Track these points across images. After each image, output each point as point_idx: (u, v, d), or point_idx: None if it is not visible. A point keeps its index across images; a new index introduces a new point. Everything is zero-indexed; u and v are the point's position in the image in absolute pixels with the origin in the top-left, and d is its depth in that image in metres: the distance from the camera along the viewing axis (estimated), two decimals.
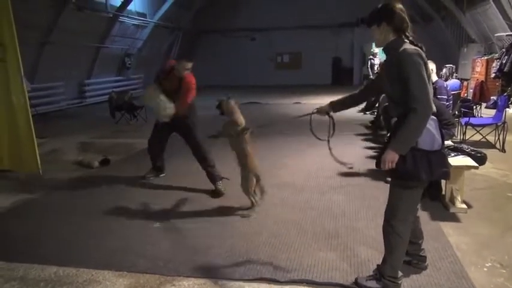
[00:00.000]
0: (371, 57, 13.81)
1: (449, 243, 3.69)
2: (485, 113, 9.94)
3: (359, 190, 5.16)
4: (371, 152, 7.04)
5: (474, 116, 9.11)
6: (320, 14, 21.88)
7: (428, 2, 18.02)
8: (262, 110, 13.84)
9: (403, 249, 2.90)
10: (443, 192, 4.70)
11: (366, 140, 8.22)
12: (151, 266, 3.41)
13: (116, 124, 10.89)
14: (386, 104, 4.07)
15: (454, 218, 4.30)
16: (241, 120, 4.36)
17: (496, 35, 13.00)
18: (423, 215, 4.21)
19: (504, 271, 3.23)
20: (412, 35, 2.73)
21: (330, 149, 3.32)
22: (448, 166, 2.95)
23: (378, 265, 3.01)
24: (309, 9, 21.95)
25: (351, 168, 3.88)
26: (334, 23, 22.11)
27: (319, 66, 23.28)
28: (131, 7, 16.66)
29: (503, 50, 12.08)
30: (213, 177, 5.24)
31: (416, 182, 2.74)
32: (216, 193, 5.12)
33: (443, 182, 4.69)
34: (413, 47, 2.65)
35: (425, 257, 3.24)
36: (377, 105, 10.96)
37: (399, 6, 2.71)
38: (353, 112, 12.43)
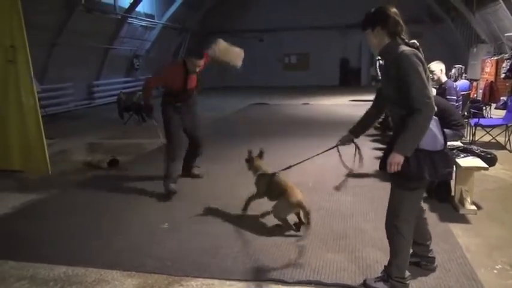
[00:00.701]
0: (378, 58, 13.72)
1: (458, 244, 3.67)
2: (495, 113, 9.86)
3: (367, 191, 5.13)
4: (379, 153, 6.99)
5: (484, 117, 9.03)
6: (328, 15, 21.79)
7: (437, 2, 17.92)
8: (271, 111, 13.85)
9: (407, 249, 2.89)
10: (453, 194, 4.67)
11: (375, 140, 8.18)
12: (160, 266, 3.42)
13: (124, 125, 10.95)
14: None
15: (463, 219, 4.27)
16: (268, 170, 4.35)
17: (506, 35, 12.87)
18: (432, 216, 4.19)
19: None
20: (407, 37, 2.73)
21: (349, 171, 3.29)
22: (452, 166, 2.94)
23: (385, 266, 3.00)
24: (317, 10, 21.88)
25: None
26: (342, 24, 22.00)
27: (327, 67, 23.22)
28: (139, 8, 16.74)
29: None
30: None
31: (418, 183, 2.74)
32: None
33: (452, 183, 4.66)
34: (410, 48, 2.65)
35: (434, 258, 3.22)
36: None
37: (393, 9, 2.72)
38: (362, 113, 12.38)
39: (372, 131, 9.44)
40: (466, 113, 8.00)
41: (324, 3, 21.87)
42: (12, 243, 4.03)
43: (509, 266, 3.30)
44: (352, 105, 14.51)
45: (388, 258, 2.95)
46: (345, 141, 3.34)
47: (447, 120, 4.96)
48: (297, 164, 4.07)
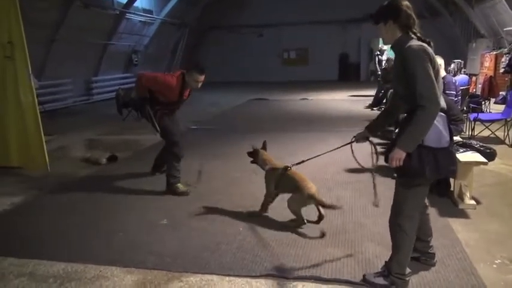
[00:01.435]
0: (378, 53, 13.73)
1: (458, 239, 3.67)
2: (494, 108, 9.86)
3: (366, 186, 5.12)
4: (379, 148, 6.99)
5: (483, 112, 9.04)
6: (327, 10, 21.73)
7: None
8: (270, 106, 13.83)
9: (409, 246, 2.88)
10: (452, 189, 4.67)
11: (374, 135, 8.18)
12: (159, 262, 3.42)
13: (123, 121, 10.91)
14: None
15: (463, 214, 4.27)
16: (277, 163, 4.35)
17: (505, 29, 12.83)
18: (432, 212, 4.16)
19: None
20: (419, 31, 2.70)
21: (373, 177, 3.27)
22: (456, 164, 2.92)
23: (385, 262, 3.00)
24: (316, 5, 21.81)
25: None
26: (341, 19, 21.98)
27: (326, 62, 23.19)
28: (137, 4, 16.68)
29: None
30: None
31: (421, 180, 2.72)
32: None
33: (451, 178, 4.66)
34: (419, 43, 2.62)
35: (434, 254, 3.22)
36: (384, 101, 10.93)
37: (405, 2, 2.68)
38: (361, 108, 12.40)
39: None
40: (465, 108, 8.00)
41: None
42: (12, 240, 4.02)
43: (509, 260, 3.31)
44: (351, 100, 14.50)
45: (390, 254, 2.95)
46: (360, 138, 3.32)
47: (446, 115, 4.95)
48: (311, 158, 4.07)
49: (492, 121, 7.52)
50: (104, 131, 9.77)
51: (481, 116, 7.63)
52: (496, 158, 4.93)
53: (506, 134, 7.27)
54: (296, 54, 24.46)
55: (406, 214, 2.79)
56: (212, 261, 3.41)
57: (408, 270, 2.91)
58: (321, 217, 4.06)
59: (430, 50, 2.61)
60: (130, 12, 16.08)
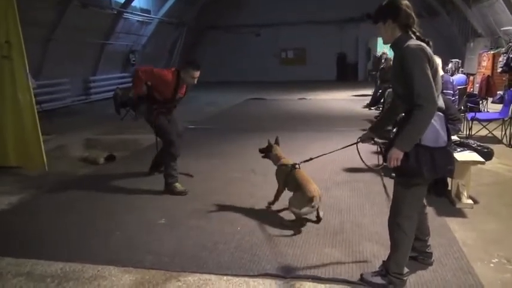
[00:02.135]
0: (378, 55, 13.76)
1: (455, 239, 3.68)
2: (492, 107, 9.86)
3: (364, 186, 5.14)
4: (375, 148, 7.01)
5: (480, 111, 9.06)
6: (324, 10, 21.71)
7: None
8: (268, 105, 13.83)
9: (408, 245, 2.89)
10: (450, 188, 4.68)
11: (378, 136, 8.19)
12: (157, 262, 3.42)
13: (121, 120, 10.92)
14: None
15: (460, 213, 4.28)
16: (288, 160, 4.39)
17: (502, 29, 12.86)
18: (429, 211, 4.14)
19: (511, 267, 3.21)
20: (419, 30, 2.71)
21: (381, 176, 3.27)
22: (453, 163, 2.92)
23: (383, 261, 3.00)
24: (314, 5, 21.80)
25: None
26: (339, 19, 21.98)
27: (324, 61, 23.16)
28: (135, 3, 16.63)
29: (510, 44, 11.97)
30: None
31: (419, 179, 2.72)
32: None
33: (449, 177, 4.67)
34: (417, 42, 2.62)
35: (431, 253, 3.23)
36: (382, 100, 10.94)
37: (405, 2, 2.68)
38: (358, 107, 12.42)
39: (368, 125, 9.49)
40: (462, 107, 8.02)
41: None
42: (9, 239, 4.01)
43: (506, 259, 3.32)
44: (349, 100, 14.51)
45: (388, 253, 2.95)
46: (365, 139, 3.32)
47: (444, 115, 4.96)
48: (318, 156, 4.08)
49: (489, 120, 7.54)
50: (102, 130, 9.76)
51: (478, 115, 7.65)
52: (494, 158, 4.95)
53: (503, 133, 7.28)
54: (294, 54, 24.43)
55: (405, 214, 2.80)
56: (210, 261, 3.41)
57: (406, 269, 2.92)
58: (319, 218, 4.07)
59: (429, 50, 2.61)
60: (128, 12, 16.05)
